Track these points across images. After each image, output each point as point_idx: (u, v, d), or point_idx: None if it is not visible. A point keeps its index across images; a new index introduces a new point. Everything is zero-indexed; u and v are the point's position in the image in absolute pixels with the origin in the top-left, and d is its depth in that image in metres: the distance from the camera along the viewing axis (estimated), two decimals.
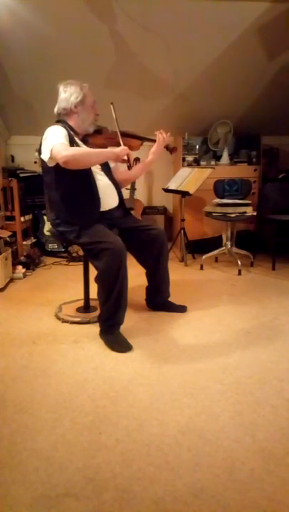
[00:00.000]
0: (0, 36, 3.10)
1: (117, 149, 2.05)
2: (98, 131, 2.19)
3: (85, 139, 2.15)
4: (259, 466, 1.15)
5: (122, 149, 2.06)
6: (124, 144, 2.21)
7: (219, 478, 1.11)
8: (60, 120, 2.11)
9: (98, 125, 2.20)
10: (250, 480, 1.10)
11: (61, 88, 2.09)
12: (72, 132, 2.06)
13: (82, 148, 1.96)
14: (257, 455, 1.20)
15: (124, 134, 2.23)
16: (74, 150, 1.90)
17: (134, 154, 2.39)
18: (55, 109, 2.11)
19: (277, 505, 1.02)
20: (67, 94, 2.06)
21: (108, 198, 2.15)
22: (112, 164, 2.28)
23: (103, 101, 2.17)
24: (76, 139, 2.08)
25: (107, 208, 2.14)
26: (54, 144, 1.87)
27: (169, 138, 2.34)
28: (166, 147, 2.39)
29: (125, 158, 2.09)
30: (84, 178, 2.00)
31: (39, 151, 2.02)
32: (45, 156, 1.93)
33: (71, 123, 2.10)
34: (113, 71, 3.49)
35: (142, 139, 2.32)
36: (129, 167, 2.13)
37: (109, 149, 2.05)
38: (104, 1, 2.86)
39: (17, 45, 3.20)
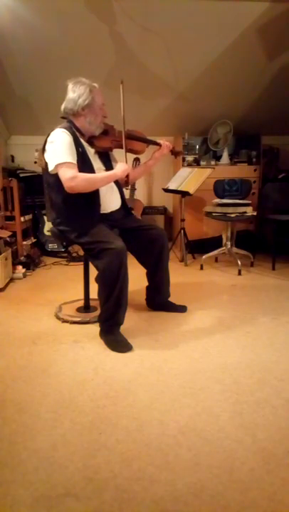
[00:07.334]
0: (0, 36, 3.10)
1: (118, 171, 2.06)
2: (104, 132, 2.16)
3: (91, 141, 2.12)
4: (259, 466, 1.15)
5: (123, 171, 2.06)
6: (131, 148, 2.20)
7: (219, 478, 1.11)
8: (65, 118, 2.10)
9: (105, 123, 2.16)
10: (250, 480, 1.10)
11: (70, 86, 2.04)
12: (77, 133, 2.05)
13: (89, 177, 1.97)
14: (257, 455, 1.20)
15: (131, 137, 2.21)
16: (80, 181, 1.93)
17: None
18: (62, 107, 2.07)
19: (277, 505, 1.02)
20: (76, 95, 2.01)
21: (110, 200, 2.15)
22: (115, 166, 2.27)
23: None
24: (81, 140, 2.07)
25: (108, 211, 2.14)
26: (60, 162, 1.93)
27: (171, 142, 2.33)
28: (172, 151, 2.37)
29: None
30: None
31: (43, 150, 2.03)
32: (50, 167, 1.98)
33: (77, 124, 2.07)
34: (113, 71, 3.48)
35: (148, 142, 2.29)
36: (126, 183, 2.14)
37: (113, 172, 2.06)
38: (104, 1, 2.86)
39: (17, 45, 3.20)
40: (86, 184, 1.95)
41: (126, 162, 2.12)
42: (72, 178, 1.91)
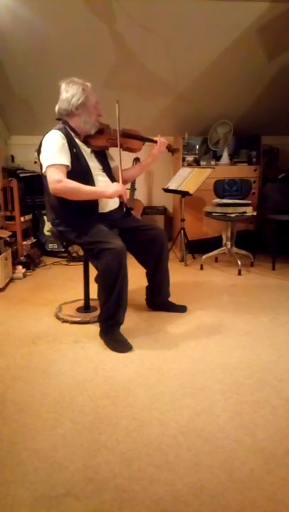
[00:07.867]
0: (0, 36, 3.10)
1: (108, 192, 2.00)
2: (100, 131, 2.15)
3: (87, 140, 2.12)
4: (259, 466, 1.15)
5: (114, 191, 2.00)
6: (127, 146, 2.20)
7: (219, 478, 1.11)
8: (60, 119, 2.10)
9: (100, 123, 2.16)
10: (250, 480, 1.10)
11: (63, 87, 2.05)
12: (72, 133, 2.05)
13: (74, 185, 1.93)
14: (257, 455, 1.20)
15: (126, 135, 2.21)
16: (65, 186, 1.92)
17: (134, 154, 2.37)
18: (56, 108, 2.07)
19: (277, 505, 1.02)
20: (69, 95, 2.02)
21: (109, 200, 2.14)
22: (112, 165, 2.27)
23: (103, 101, 2.16)
24: (77, 140, 2.07)
25: (107, 210, 2.14)
26: (50, 163, 1.94)
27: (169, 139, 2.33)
28: (168, 148, 2.38)
29: (123, 196, 2.05)
30: (84, 182, 1.98)
31: (38, 152, 2.03)
32: (42, 168, 1.99)
33: (72, 124, 2.08)
34: (113, 71, 3.48)
35: (144, 140, 2.29)
36: (123, 204, 2.13)
37: (103, 190, 2.01)
38: (104, 1, 2.86)
39: (17, 45, 3.20)
40: (68, 191, 1.94)
41: (120, 160, 2.10)
42: (57, 181, 1.91)
